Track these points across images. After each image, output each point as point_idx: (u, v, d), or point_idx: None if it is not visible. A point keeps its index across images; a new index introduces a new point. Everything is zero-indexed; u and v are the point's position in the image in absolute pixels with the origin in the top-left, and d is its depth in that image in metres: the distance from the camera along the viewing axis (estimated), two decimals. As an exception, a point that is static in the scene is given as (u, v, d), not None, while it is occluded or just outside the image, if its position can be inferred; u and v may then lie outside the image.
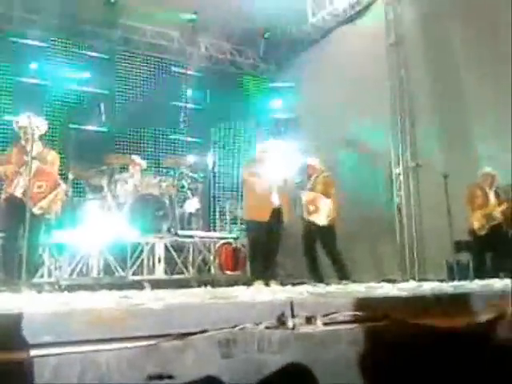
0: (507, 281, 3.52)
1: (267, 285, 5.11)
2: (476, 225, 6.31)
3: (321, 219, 6.15)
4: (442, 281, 3.70)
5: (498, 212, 6.28)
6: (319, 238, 6.25)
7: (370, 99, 8.55)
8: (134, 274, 6.93)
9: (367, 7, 9.14)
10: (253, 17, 9.39)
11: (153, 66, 10.48)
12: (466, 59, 7.50)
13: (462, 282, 3.59)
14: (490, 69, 7.03)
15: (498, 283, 3.34)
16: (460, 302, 2.50)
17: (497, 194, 6.43)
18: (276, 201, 5.64)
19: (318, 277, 5.99)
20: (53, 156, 5.40)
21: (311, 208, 6.18)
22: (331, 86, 9.26)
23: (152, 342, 1.63)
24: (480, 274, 5.49)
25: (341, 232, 6.45)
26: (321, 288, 2.88)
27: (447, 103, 7.75)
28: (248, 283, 5.11)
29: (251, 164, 5.97)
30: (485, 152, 6.87)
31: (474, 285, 3.23)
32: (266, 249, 5.76)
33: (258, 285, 5.14)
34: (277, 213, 5.66)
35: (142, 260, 7.11)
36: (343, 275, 5.87)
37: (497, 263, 6.16)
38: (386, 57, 8.62)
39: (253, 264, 6.13)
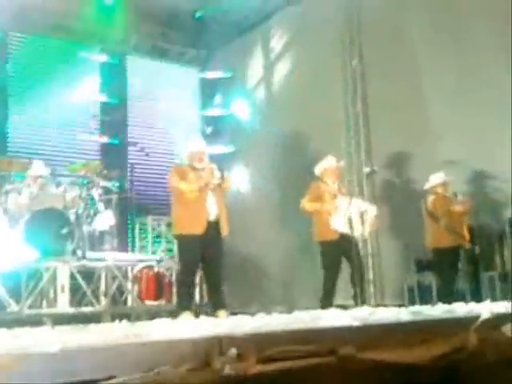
0: (472, 305, 3.65)
1: (197, 316, 5.09)
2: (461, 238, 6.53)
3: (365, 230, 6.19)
4: (400, 306, 3.81)
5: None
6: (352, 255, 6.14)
7: (320, 93, 8.72)
8: (30, 307, 6.71)
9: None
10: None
11: (55, 50, 10.21)
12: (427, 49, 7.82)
13: (424, 307, 3.70)
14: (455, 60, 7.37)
15: (463, 307, 3.47)
16: (420, 330, 2.55)
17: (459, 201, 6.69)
18: (213, 211, 5.62)
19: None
20: None
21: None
22: (273, 78, 9.39)
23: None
24: (449, 297, 5.70)
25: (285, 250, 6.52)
26: (258, 318, 2.89)
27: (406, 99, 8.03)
28: (173, 315, 5.07)
29: (180, 168, 5.94)
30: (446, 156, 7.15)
31: (436, 310, 3.33)
32: (206, 272, 5.75)
33: (185, 316, 5.12)
34: (214, 227, 5.64)
35: (42, 289, 6.91)
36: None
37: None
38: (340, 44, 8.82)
39: (180, 291, 6.09)
